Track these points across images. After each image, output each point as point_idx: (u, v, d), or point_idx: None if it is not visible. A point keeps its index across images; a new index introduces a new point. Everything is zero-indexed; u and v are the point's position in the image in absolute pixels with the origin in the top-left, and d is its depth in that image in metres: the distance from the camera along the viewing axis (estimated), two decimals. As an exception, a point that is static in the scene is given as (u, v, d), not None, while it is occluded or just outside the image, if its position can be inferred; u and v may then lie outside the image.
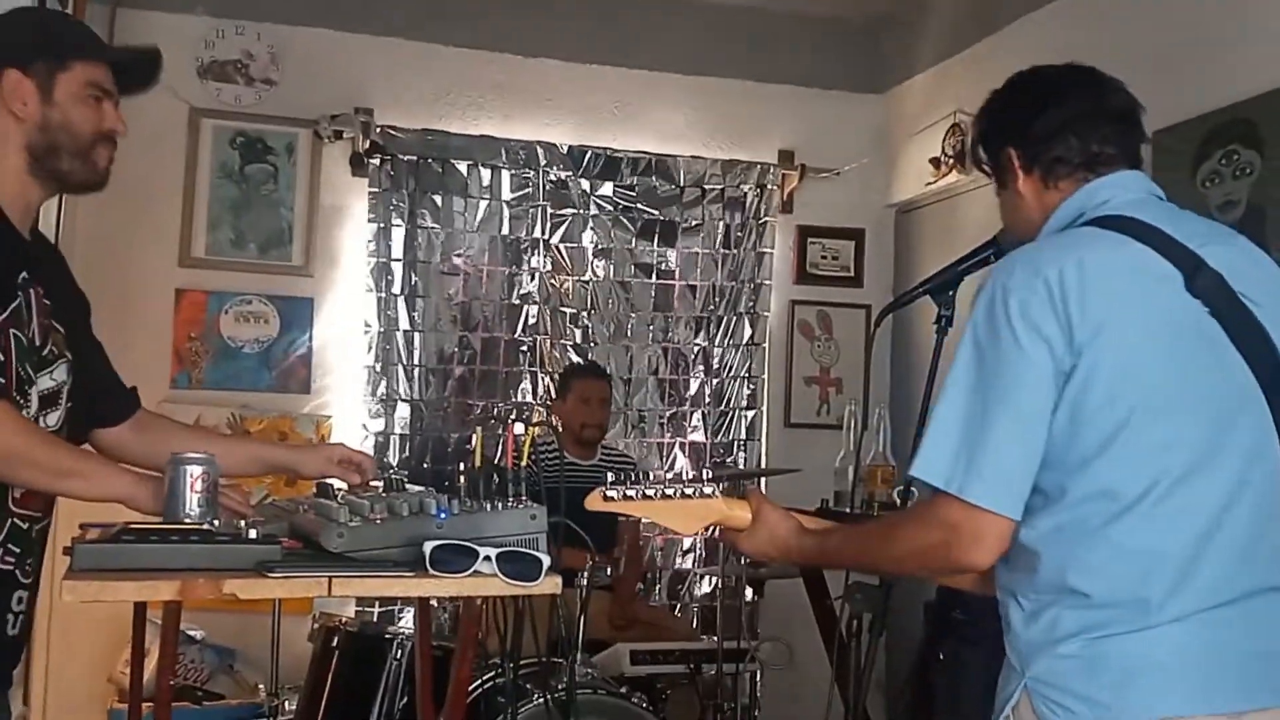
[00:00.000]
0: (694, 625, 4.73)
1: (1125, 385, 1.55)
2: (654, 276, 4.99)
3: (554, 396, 4.56)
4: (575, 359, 4.85)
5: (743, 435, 4.99)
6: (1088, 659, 1.55)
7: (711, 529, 1.88)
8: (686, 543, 4.93)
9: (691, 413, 4.99)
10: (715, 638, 3.77)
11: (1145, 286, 1.60)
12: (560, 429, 4.32)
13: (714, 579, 4.80)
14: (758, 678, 3.90)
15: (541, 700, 2.97)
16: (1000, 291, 1.60)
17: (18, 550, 1.91)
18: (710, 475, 1.84)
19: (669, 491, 1.78)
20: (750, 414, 5.00)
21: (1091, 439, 1.55)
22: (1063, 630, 1.57)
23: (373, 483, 2.30)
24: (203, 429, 2.48)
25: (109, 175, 2.03)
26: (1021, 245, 1.77)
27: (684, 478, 1.83)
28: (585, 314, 4.90)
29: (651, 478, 1.85)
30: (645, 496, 1.79)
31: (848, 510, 3.29)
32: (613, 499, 1.77)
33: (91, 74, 1.96)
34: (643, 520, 4.48)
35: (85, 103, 1.95)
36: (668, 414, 4.98)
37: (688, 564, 4.94)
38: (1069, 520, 1.57)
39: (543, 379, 4.79)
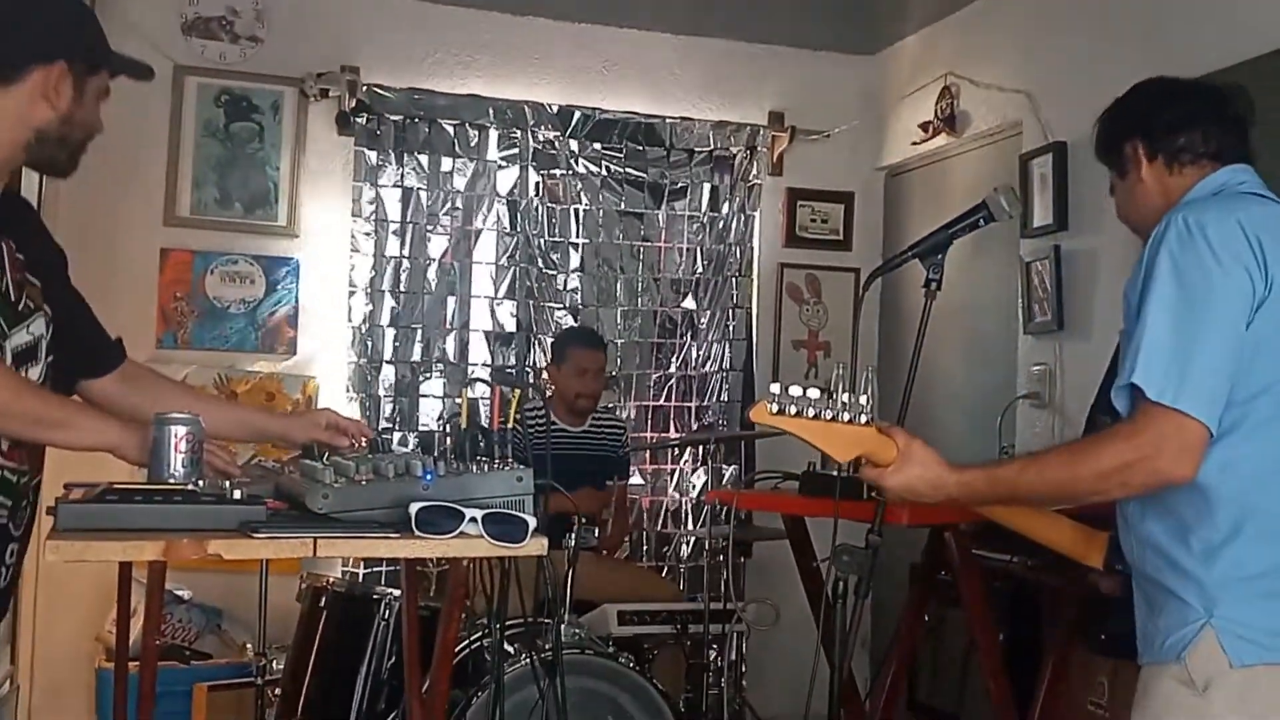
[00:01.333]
0: (681, 586, 4.75)
1: None
2: (642, 238, 4.97)
3: (548, 360, 4.55)
4: (565, 321, 4.83)
5: (730, 398, 4.99)
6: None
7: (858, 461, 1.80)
8: (671, 503, 4.95)
9: (679, 375, 4.99)
10: (702, 598, 3.79)
11: None
12: (550, 393, 4.31)
13: (701, 540, 4.81)
14: (744, 638, 3.93)
15: (528, 660, 2.99)
16: (1195, 225, 1.69)
17: (9, 503, 1.91)
18: (864, 399, 1.71)
19: (829, 414, 1.69)
20: (738, 376, 5.00)
21: (1272, 368, 1.67)
22: (1254, 567, 1.67)
23: (359, 443, 2.30)
24: (193, 389, 2.48)
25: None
26: (1132, 225, 2.00)
27: (840, 398, 1.72)
28: (573, 276, 4.89)
29: (808, 390, 1.70)
30: (808, 415, 1.68)
31: (835, 473, 3.29)
32: (778, 414, 1.66)
33: (107, 80, 2.03)
34: (629, 483, 4.52)
35: (97, 105, 2.02)
36: (654, 376, 4.98)
37: (674, 525, 4.96)
38: (1248, 452, 1.67)
39: (530, 341, 4.78)
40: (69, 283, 2.16)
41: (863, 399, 1.71)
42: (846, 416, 1.70)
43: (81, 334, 2.15)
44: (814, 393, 1.66)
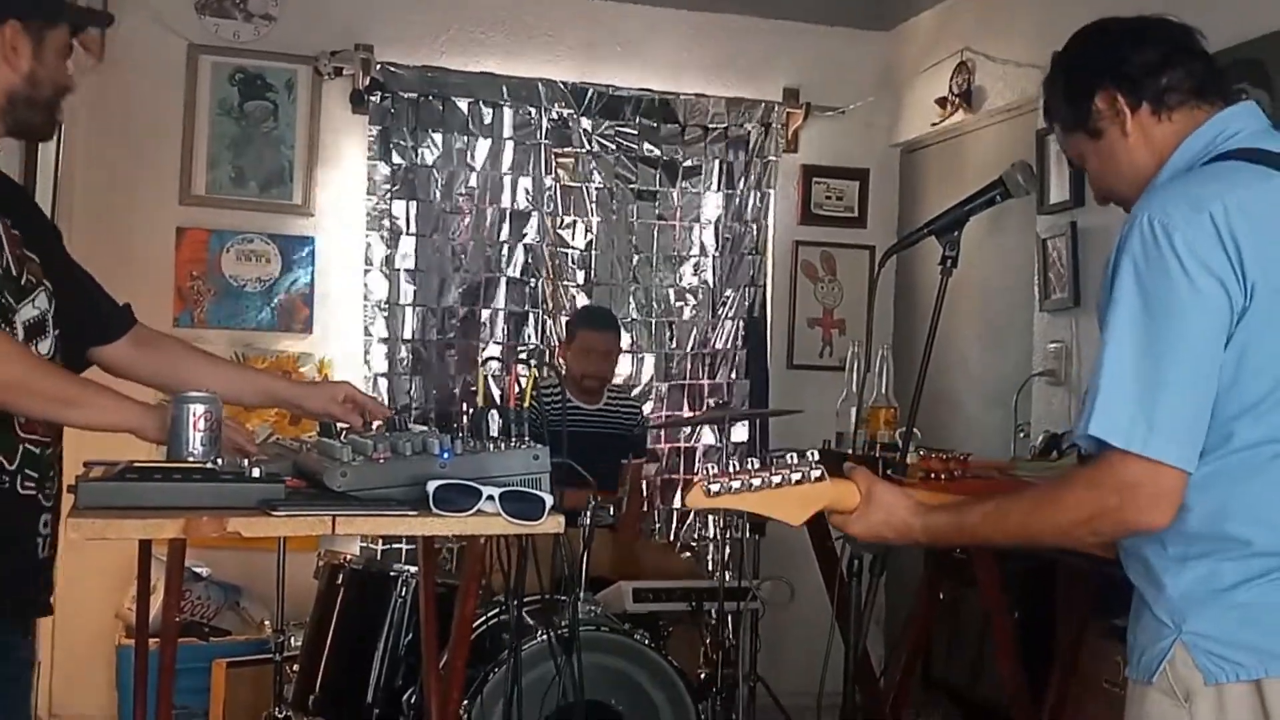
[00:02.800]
0: (696, 564, 4.76)
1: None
2: (656, 216, 4.96)
3: (562, 337, 4.55)
4: (579, 299, 4.83)
5: (745, 376, 4.99)
6: (1253, 608, 1.53)
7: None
8: (683, 482, 4.96)
9: (693, 353, 4.99)
10: (717, 576, 3.80)
11: None
12: (564, 372, 4.31)
13: (716, 518, 4.82)
14: (759, 616, 3.94)
15: (545, 637, 3.00)
16: (1160, 229, 1.50)
17: (35, 475, 1.92)
18: (812, 454, 1.63)
19: (776, 479, 1.60)
20: (753, 355, 4.99)
21: (1263, 383, 1.51)
22: (1223, 580, 1.54)
23: (375, 423, 2.30)
24: (210, 355, 2.47)
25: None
26: (1121, 198, 1.73)
27: (782, 458, 1.63)
28: (587, 254, 4.88)
29: (749, 462, 1.60)
30: (751, 487, 1.59)
31: (849, 451, 3.29)
32: (718, 494, 1.58)
33: (67, 35, 2.00)
34: (645, 461, 4.53)
35: (62, 61, 1.99)
36: (669, 354, 4.98)
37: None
38: (1230, 466, 1.53)
39: (545, 319, 4.79)
40: (67, 256, 2.16)
41: (811, 453, 1.63)
42: (795, 476, 1.61)
43: (86, 301, 2.14)
44: (754, 463, 1.60)
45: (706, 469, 1.61)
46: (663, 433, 4.90)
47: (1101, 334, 1.54)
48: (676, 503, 4.94)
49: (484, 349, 4.72)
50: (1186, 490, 1.51)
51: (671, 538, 4.92)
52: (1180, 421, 1.49)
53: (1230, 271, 1.49)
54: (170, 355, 2.28)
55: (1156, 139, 1.68)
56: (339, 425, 2.26)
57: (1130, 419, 1.49)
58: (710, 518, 4.89)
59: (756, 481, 1.60)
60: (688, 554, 4.71)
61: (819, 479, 1.64)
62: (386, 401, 4.38)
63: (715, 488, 1.59)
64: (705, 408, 4.93)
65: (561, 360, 4.42)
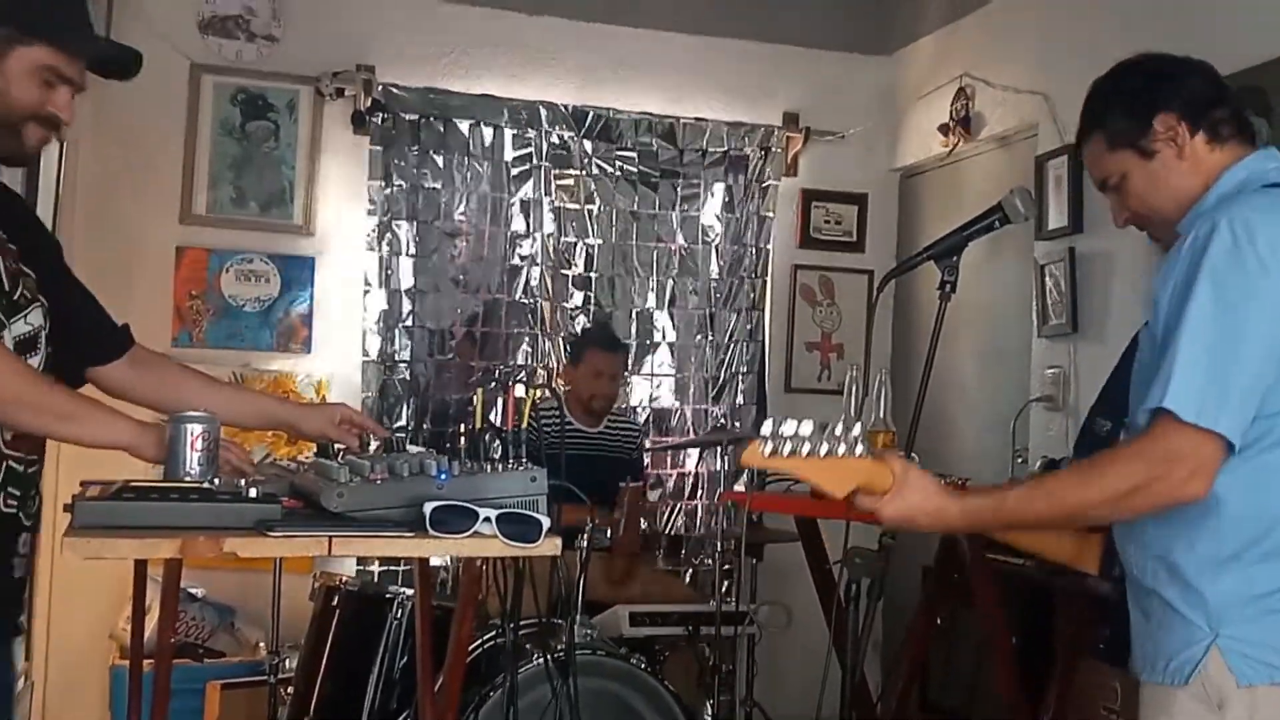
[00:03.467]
0: (693, 588, 4.75)
1: None
2: (655, 239, 4.96)
3: (565, 359, 4.55)
4: (578, 321, 4.83)
5: (743, 400, 4.98)
6: None
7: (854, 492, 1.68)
8: (683, 505, 4.94)
9: (692, 376, 4.99)
10: (714, 600, 3.79)
11: None
12: (565, 393, 4.31)
13: (714, 542, 4.80)
14: (756, 640, 3.92)
15: (541, 660, 2.99)
16: (1242, 229, 1.60)
17: (17, 493, 1.91)
18: (859, 428, 1.60)
19: (824, 448, 1.60)
20: (751, 378, 4.99)
21: None
22: (1262, 586, 1.61)
23: (372, 445, 2.30)
24: (208, 376, 2.46)
25: (36, 155, 1.98)
26: (1162, 218, 1.82)
27: (830, 430, 1.62)
28: (586, 276, 4.89)
29: (800, 426, 1.60)
30: (803, 453, 1.59)
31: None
32: (772, 455, 1.58)
33: (52, 59, 1.89)
34: (645, 485, 4.52)
35: (33, 81, 1.88)
36: (669, 377, 4.97)
37: (688, 527, 4.95)
38: (1268, 466, 1.60)
39: (544, 341, 4.78)
40: (67, 270, 2.14)
41: (854, 431, 1.63)
42: (841, 449, 1.62)
43: (85, 321, 2.13)
44: (807, 427, 1.59)
45: (766, 428, 1.59)
46: (667, 456, 4.89)
47: (1177, 324, 1.60)
48: (674, 526, 4.93)
49: (482, 370, 4.71)
50: (1228, 488, 1.58)
51: (667, 561, 4.90)
52: (1242, 399, 1.58)
53: None
54: (167, 376, 2.27)
55: (1206, 165, 1.79)
56: (336, 446, 2.26)
57: (1200, 393, 1.56)
58: (706, 543, 4.87)
59: (807, 449, 1.59)
60: (683, 578, 4.70)
61: (859, 455, 1.63)
62: (384, 422, 4.38)
63: (770, 448, 1.58)
64: (703, 431, 4.93)
65: (562, 382, 4.42)
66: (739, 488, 4.74)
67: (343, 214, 4.62)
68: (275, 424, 2.50)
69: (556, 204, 4.82)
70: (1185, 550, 1.64)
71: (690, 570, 4.92)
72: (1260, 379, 1.58)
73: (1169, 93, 1.81)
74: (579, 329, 4.77)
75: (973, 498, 1.73)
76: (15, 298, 1.92)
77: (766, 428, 1.59)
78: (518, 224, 4.77)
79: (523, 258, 4.77)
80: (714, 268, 5.01)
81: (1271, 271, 1.58)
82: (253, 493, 1.90)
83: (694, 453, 4.95)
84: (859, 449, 1.62)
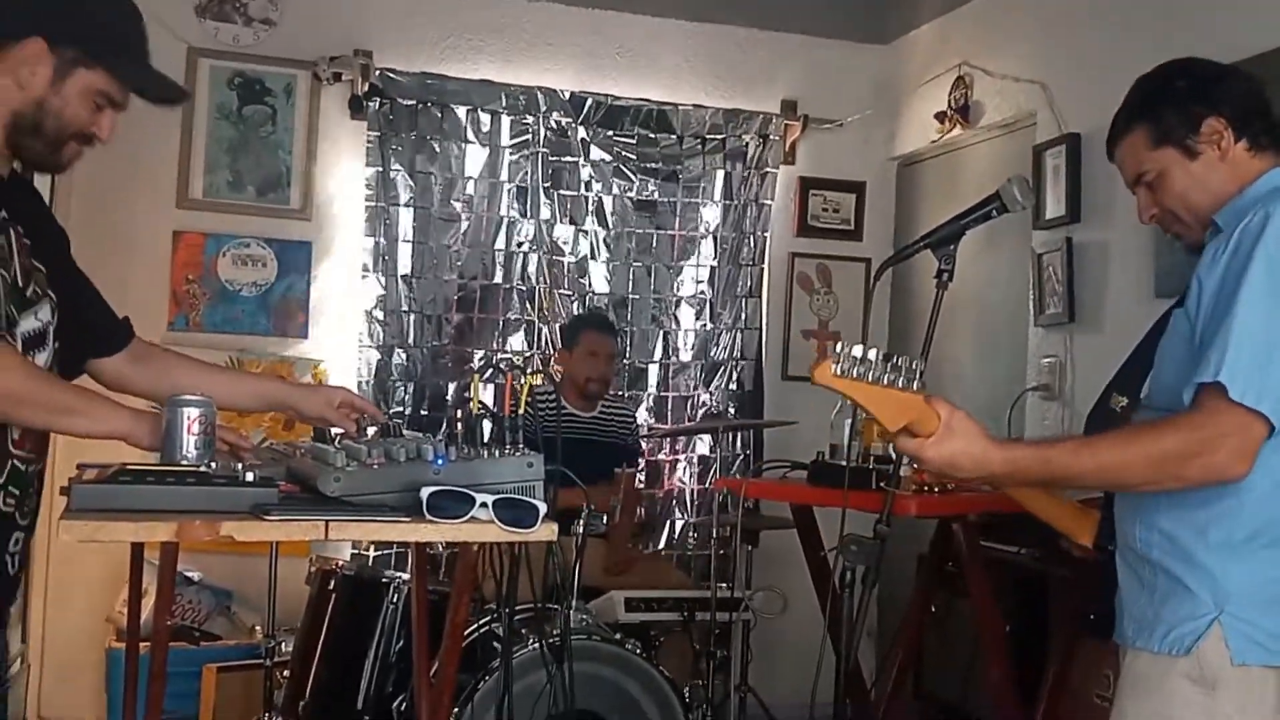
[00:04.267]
0: (688, 574, 4.76)
1: None
2: (653, 226, 4.96)
3: (560, 344, 4.55)
4: (575, 308, 4.83)
5: (739, 387, 4.99)
6: None
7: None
8: (679, 491, 4.95)
9: (689, 364, 4.99)
10: (709, 586, 3.80)
11: None
12: (560, 378, 4.31)
13: (709, 528, 4.81)
14: (750, 626, 3.94)
15: (536, 645, 3.00)
16: None
17: (16, 492, 1.91)
18: (919, 364, 1.64)
19: (886, 379, 1.60)
20: (747, 366, 5.00)
21: None
22: (1273, 571, 1.66)
23: (369, 430, 2.30)
24: (205, 363, 2.47)
25: (69, 168, 2.01)
26: (1194, 217, 1.87)
27: (894, 360, 1.62)
28: (584, 263, 4.89)
29: (869, 351, 1.60)
30: (869, 379, 1.59)
31: (843, 464, 3.29)
32: (842, 376, 1.58)
33: (109, 86, 1.92)
34: (639, 470, 4.53)
35: (86, 103, 1.91)
36: (665, 364, 4.98)
37: (683, 512, 4.96)
38: None
39: (541, 327, 4.79)
40: (73, 263, 2.15)
41: (915, 364, 1.62)
42: (902, 381, 1.61)
43: (88, 314, 2.14)
44: (873, 354, 1.59)
45: (839, 349, 1.60)
46: (663, 442, 4.90)
47: (1231, 304, 1.64)
48: (669, 512, 4.94)
49: (479, 356, 4.72)
50: (1250, 474, 1.61)
51: (663, 547, 4.91)
52: None
53: None
54: (165, 367, 2.28)
55: (1244, 171, 1.85)
56: (333, 430, 2.26)
57: (1248, 373, 1.59)
58: (702, 529, 4.88)
59: (872, 375, 1.59)
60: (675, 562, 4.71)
61: (917, 391, 1.63)
62: (381, 407, 4.38)
63: (839, 369, 1.58)
64: (699, 417, 4.94)
65: (558, 367, 4.42)
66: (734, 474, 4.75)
67: (340, 199, 4.62)
68: (274, 405, 2.51)
69: (554, 190, 4.82)
70: (1197, 532, 1.69)
71: (685, 556, 4.93)
72: None
73: (1221, 97, 1.86)
74: (573, 315, 4.77)
75: (1018, 448, 1.73)
76: (27, 294, 1.93)
77: (839, 348, 1.59)
78: (515, 210, 4.77)
79: (520, 244, 4.77)
80: (711, 255, 5.01)
81: None
82: (249, 476, 1.90)
83: (690, 439, 4.96)
84: (916, 384, 1.62)
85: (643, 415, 4.87)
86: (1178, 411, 1.66)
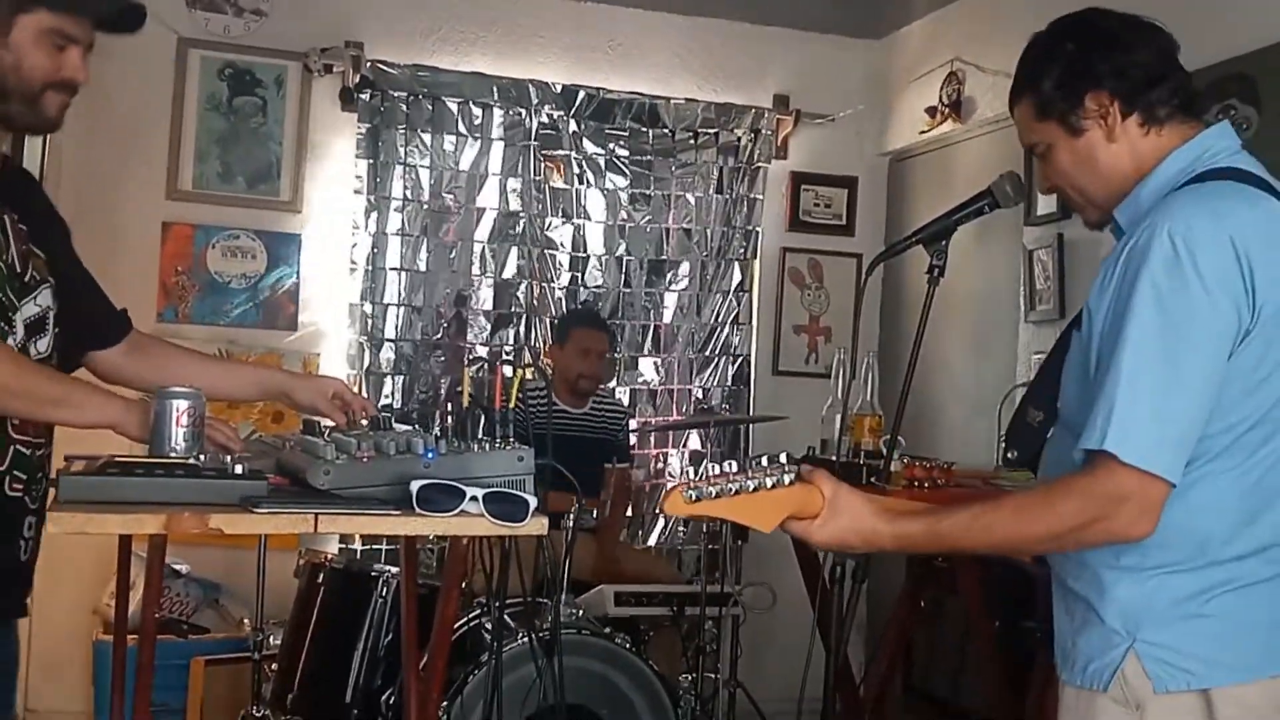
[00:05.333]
0: (678, 568, 4.76)
1: (1273, 352, 1.54)
2: (644, 220, 4.96)
3: (551, 340, 4.54)
4: (566, 301, 4.83)
5: (730, 382, 4.99)
6: (1206, 620, 1.56)
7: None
8: (669, 486, 4.95)
9: (679, 358, 4.99)
10: (699, 581, 3.80)
11: None
12: (552, 374, 4.31)
13: (699, 524, 4.81)
14: (740, 621, 3.94)
15: (526, 639, 3.00)
16: (1184, 247, 1.50)
17: (24, 477, 1.91)
18: (784, 456, 1.59)
19: (751, 485, 1.55)
20: (738, 361, 5.00)
21: (1236, 404, 1.54)
22: (1178, 591, 1.57)
23: (362, 422, 2.29)
24: (200, 353, 2.47)
25: (60, 121, 1.95)
26: (1087, 199, 1.74)
27: (758, 461, 1.57)
28: (575, 256, 4.88)
29: (723, 466, 1.56)
30: (728, 493, 1.54)
31: (833, 459, 3.30)
32: (696, 501, 1.53)
33: (58, 22, 1.87)
34: (632, 465, 4.53)
35: (42, 48, 1.86)
36: (656, 359, 4.97)
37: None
38: (1198, 482, 1.55)
39: (532, 321, 4.78)
40: (73, 254, 2.14)
41: (783, 456, 1.58)
42: (770, 481, 1.56)
43: (88, 306, 2.13)
44: (732, 467, 1.56)
45: (686, 473, 1.58)
46: (650, 437, 4.90)
47: (1114, 349, 1.52)
48: (662, 508, 4.94)
49: (470, 350, 4.71)
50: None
51: (652, 542, 4.91)
52: (1183, 438, 1.51)
53: (1244, 295, 1.51)
54: (161, 358, 2.28)
55: (1141, 150, 1.68)
56: (323, 423, 2.25)
57: (1141, 434, 1.49)
58: (692, 522, 4.88)
59: (733, 487, 1.54)
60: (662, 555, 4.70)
61: (790, 484, 1.58)
62: (371, 400, 4.37)
63: (694, 494, 1.54)
64: (690, 412, 4.93)
65: (549, 362, 4.41)
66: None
67: (330, 191, 4.60)
68: (268, 393, 2.49)
69: (545, 184, 4.81)
70: (1108, 556, 1.60)
71: (675, 551, 4.93)
72: (1202, 410, 1.52)
73: (1104, 68, 1.67)
74: (564, 310, 4.76)
75: (906, 522, 1.63)
76: (26, 279, 1.92)
77: (690, 473, 1.56)
78: (506, 204, 4.75)
79: (511, 237, 4.76)
80: (702, 249, 5.01)
81: (1214, 294, 1.49)
82: (238, 469, 1.90)
83: (680, 434, 4.96)
84: (787, 478, 1.57)
85: (634, 415, 4.86)
86: (1079, 433, 1.56)
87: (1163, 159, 1.67)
